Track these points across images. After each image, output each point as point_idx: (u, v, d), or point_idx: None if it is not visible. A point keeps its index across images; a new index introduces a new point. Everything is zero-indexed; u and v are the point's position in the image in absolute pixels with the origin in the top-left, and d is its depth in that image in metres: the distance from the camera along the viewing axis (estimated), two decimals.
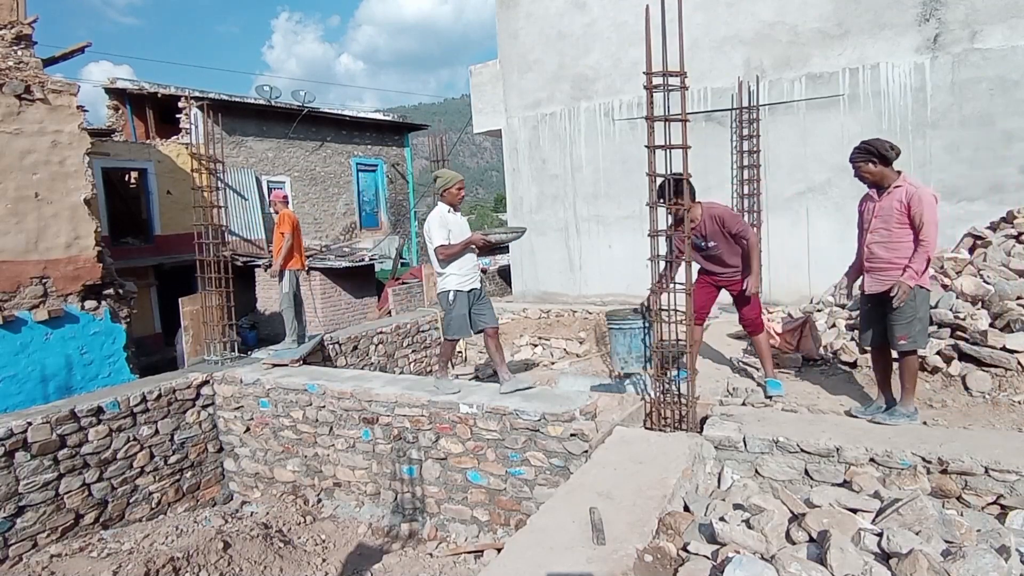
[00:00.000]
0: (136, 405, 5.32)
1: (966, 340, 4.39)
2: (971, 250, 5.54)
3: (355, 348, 7.65)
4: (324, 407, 5.41)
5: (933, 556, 2.22)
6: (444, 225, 4.72)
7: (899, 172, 3.75)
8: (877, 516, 2.74)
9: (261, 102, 15.68)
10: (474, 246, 4.76)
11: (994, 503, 3.20)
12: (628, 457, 3.58)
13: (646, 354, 4.69)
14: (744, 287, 4.52)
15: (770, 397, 4.45)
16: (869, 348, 4.05)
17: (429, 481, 4.93)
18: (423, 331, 8.87)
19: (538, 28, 9.50)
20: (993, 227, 5.75)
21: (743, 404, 4.41)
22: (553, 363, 7.70)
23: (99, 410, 5.08)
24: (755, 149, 7.86)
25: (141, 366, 8.14)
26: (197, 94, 13.45)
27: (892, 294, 3.61)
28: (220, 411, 5.96)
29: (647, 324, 4.64)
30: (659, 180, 4.13)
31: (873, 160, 3.72)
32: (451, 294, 4.81)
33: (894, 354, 3.93)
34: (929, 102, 6.98)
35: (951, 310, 4.62)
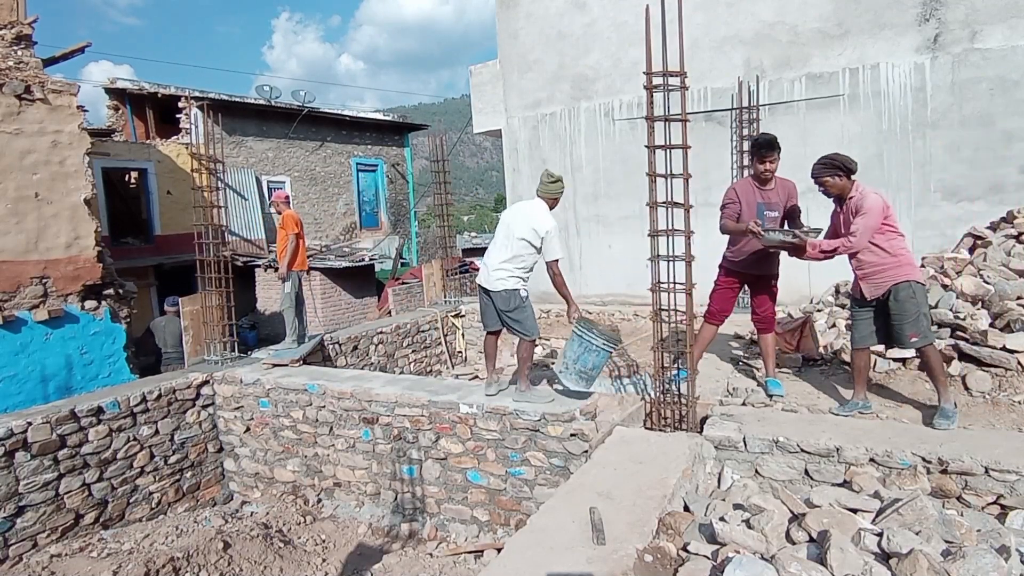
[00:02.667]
0: (136, 405, 5.32)
1: (966, 340, 4.39)
2: (971, 250, 5.54)
3: (355, 348, 7.65)
4: (324, 407, 5.41)
5: (933, 556, 2.22)
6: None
7: (854, 182, 3.93)
8: (877, 516, 2.74)
9: (261, 102, 15.67)
10: (569, 309, 4.63)
11: (994, 503, 3.20)
12: (628, 457, 3.58)
13: (590, 374, 4.28)
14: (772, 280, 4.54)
15: (771, 396, 4.45)
16: (859, 348, 4.10)
17: (429, 481, 4.93)
18: (423, 331, 8.87)
19: (538, 28, 9.50)
20: (993, 227, 5.75)
21: (743, 404, 4.41)
22: (553, 363, 7.70)
23: (99, 410, 5.08)
24: None
25: (141, 366, 8.14)
26: (197, 94, 13.45)
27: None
28: (220, 411, 5.96)
29: (610, 348, 4.28)
30: (759, 137, 4.35)
31: (839, 174, 3.88)
32: (523, 292, 4.58)
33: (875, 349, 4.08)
34: (929, 102, 6.97)
35: (951, 310, 4.62)
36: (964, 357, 4.35)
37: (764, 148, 4.26)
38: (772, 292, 4.59)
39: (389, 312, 13.59)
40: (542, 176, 4.56)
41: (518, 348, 4.77)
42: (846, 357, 4.87)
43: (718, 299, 4.66)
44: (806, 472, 3.60)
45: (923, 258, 5.74)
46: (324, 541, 4.98)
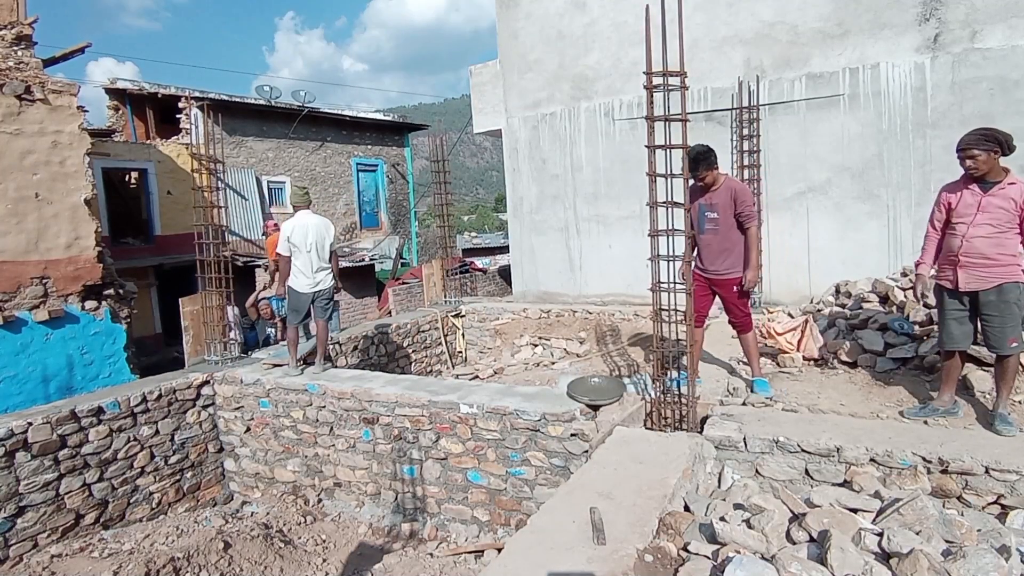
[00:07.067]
0: (136, 405, 5.32)
1: None
2: None
3: (355, 348, 7.65)
4: (324, 407, 5.41)
5: (933, 556, 2.22)
6: None
7: (1007, 169, 3.54)
8: (877, 516, 2.74)
9: (261, 102, 15.68)
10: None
11: (994, 503, 3.20)
12: (628, 457, 3.58)
13: None
14: (741, 284, 4.41)
15: (754, 394, 4.47)
16: (952, 350, 3.76)
17: (429, 481, 4.93)
18: (423, 331, 8.87)
19: (538, 28, 9.50)
20: None
21: (743, 404, 4.41)
22: (553, 363, 7.70)
23: (99, 410, 5.08)
24: (755, 149, 7.85)
25: (141, 366, 8.14)
26: (197, 94, 13.46)
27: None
28: (220, 411, 5.96)
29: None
30: (696, 150, 4.20)
31: (995, 150, 3.45)
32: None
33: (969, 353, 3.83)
34: (929, 102, 6.97)
35: None
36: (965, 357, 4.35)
37: (691, 166, 4.23)
38: (734, 295, 4.49)
39: (389, 312, 13.59)
40: (296, 189, 6.02)
41: (321, 330, 5.87)
42: (846, 357, 4.87)
43: (694, 301, 4.66)
44: (806, 472, 3.60)
45: None
46: (324, 541, 4.98)
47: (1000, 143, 3.44)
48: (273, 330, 8.09)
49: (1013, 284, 3.47)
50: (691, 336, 4.11)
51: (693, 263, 4.63)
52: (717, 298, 4.69)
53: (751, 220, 4.34)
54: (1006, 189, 3.47)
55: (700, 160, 4.29)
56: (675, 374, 4.29)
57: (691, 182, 4.28)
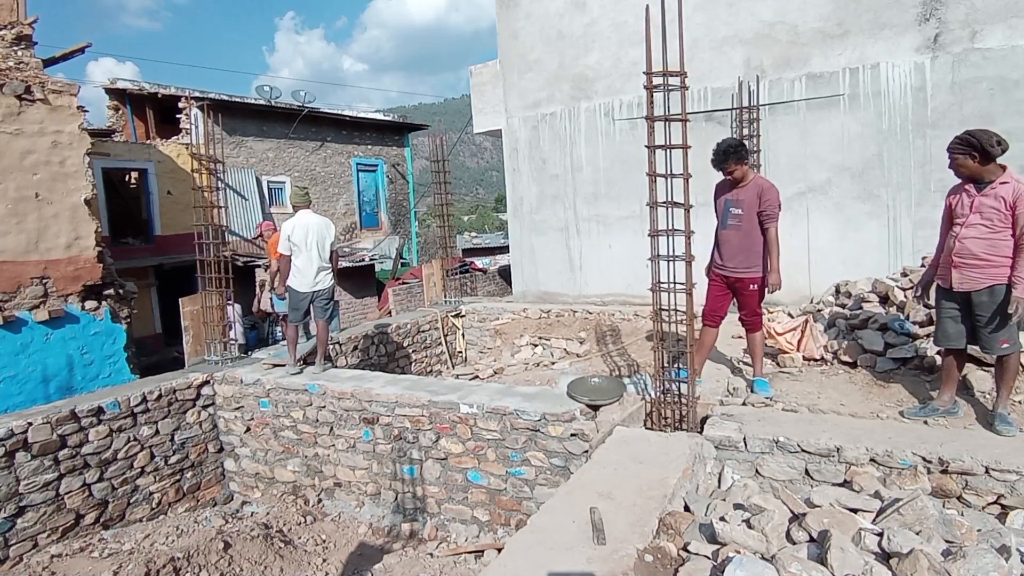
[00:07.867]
0: (136, 405, 5.33)
1: None
2: None
3: (355, 348, 7.65)
4: (324, 407, 5.42)
5: (934, 556, 2.22)
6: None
7: (1004, 167, 3.49)
8: (878, 516, 2.74)
9: (261, 102, 15.67)
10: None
11: (995, 503, 3.20)
12: (628, 457, 3.58)
13: None
14: (762, 284, 4.41)
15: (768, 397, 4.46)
16: (947, 348, 3.80)
17: (429, 481, 4.93)
18: (423, 331, 8.87)
19: (538, 28, 9.50)
20: None
21: (743, 404, 4.41)
22: (553, 363, 7.70)
23: (99, 410, 5.08)
24: (755, 149, 7.84)
25: (141, 366, 8.14)
26: (197, 94, 13.46)
27: (988, 298, 3.46)
28: (220, 411, 5.96)
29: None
30: (727, 143, 4.28)
31: (973, 155, 3.45)
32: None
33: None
34: (929, 102, 6.97)
35: None
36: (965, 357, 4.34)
37: (720, 159, 4.31)
38: (751, 294, 4.49)
39: (389, 312, 13.59)
40: (297, 189, 6.06)
41: (321, 330, 5.89)
42: (846, 357, 4.87)
43: (708, 298, 4.65)
44: (806, 472, 3.60)
45: (923, 258, 5.74)
46: (324, 541, 4.98)
47: (974, 146, 3.45)
48: (281, 329, 8.13)
49: (1005, 286, 3.46)
50: (692, 335, 4.11)
51: (711, 259, 4.63)
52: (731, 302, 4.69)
53: (772, 220, 4.30)
54: (997, 188, 3.47)
55: (730, 153, 4.29)
56: (675, 371, 4.29)
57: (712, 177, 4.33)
